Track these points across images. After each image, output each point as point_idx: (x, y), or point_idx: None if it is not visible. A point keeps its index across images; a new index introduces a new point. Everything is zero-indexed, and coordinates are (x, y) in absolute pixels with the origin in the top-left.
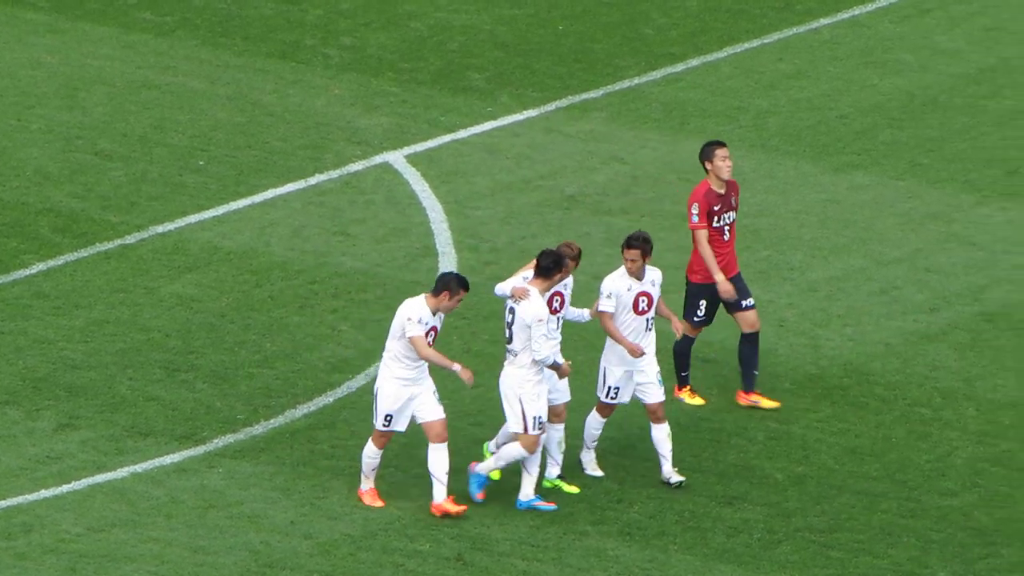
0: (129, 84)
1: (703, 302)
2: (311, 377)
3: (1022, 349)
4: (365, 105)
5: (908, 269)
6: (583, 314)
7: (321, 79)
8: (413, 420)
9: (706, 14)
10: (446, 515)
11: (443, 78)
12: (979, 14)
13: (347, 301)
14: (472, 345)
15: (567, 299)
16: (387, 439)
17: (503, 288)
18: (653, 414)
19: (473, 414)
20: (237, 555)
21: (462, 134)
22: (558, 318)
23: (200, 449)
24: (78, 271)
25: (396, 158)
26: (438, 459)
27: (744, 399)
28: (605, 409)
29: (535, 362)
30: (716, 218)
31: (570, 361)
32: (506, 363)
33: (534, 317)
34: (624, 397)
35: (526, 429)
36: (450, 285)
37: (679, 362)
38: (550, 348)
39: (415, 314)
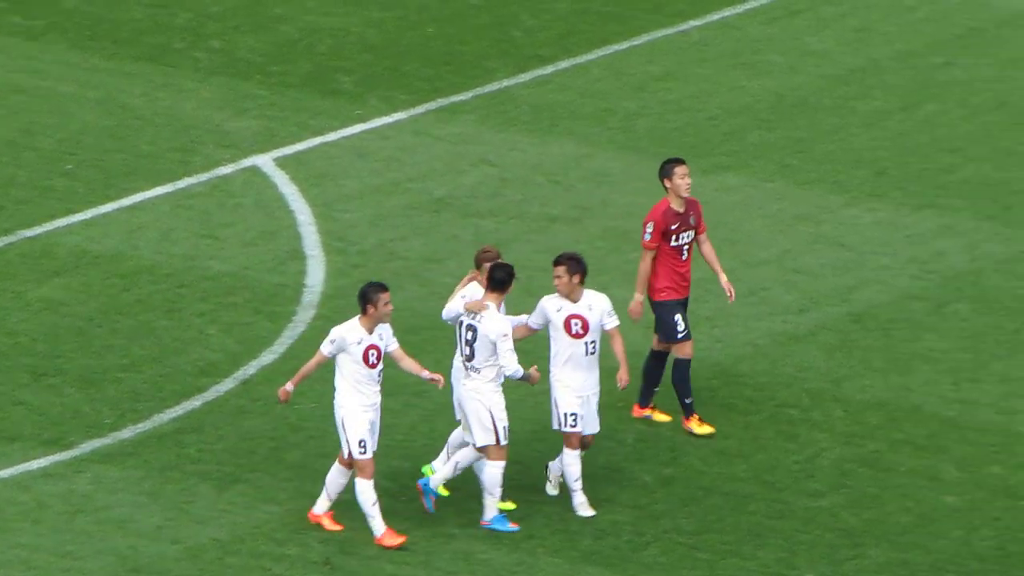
0: None
1: (678, 316)
2: (179, 381)
3: (889, 350)
4: (234, 108)
5: (777, 270)
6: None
7: (190, 82)
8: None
9: (575, 16)
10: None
11: (312, 81)
12: (848, 15)
13: (215, 305)
14: None
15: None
16: (371, 465)
17: (454, 308)
18: (570, 441)
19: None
20: (104, 560)
21: (331, 137)
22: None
23: (67, 454)
24: None
25: (265, 161)
26: (365, 490)
27: (638, 413)
28: (571, 441)
29: (498, 375)
30: (674, 237)
31: (535, 366)
32: (467, 379)
33: (499, 333)
34: (590, 426)
35: (498, 440)
36: (367, 296)
37: (681, 389)
38: (517, 362)
39: (334, 334)
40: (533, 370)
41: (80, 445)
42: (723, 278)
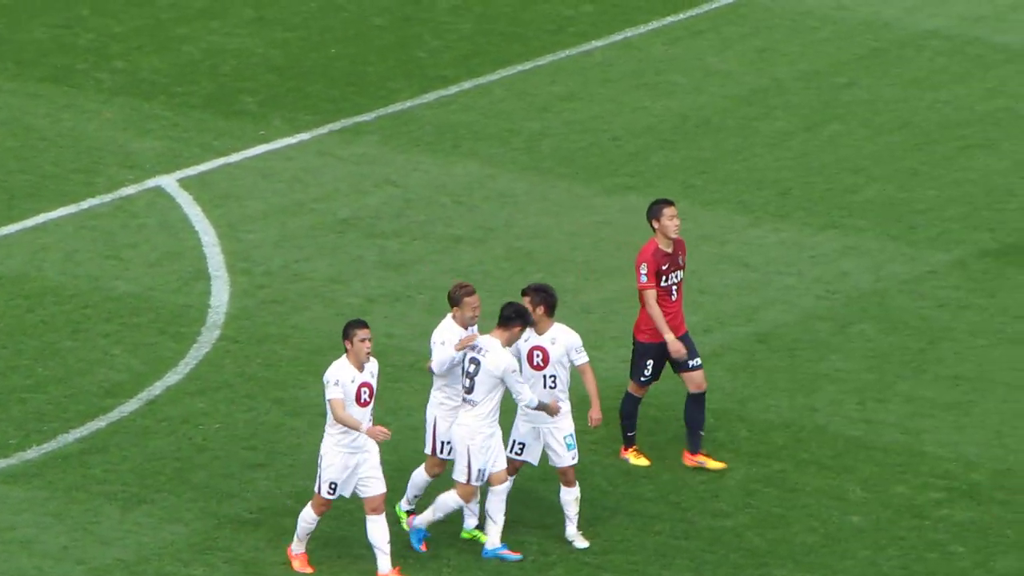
0: None
1: (650, 361)
2: (83, 402)
3: (794, 370)
4: (138, 129)
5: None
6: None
7: (94, 103)
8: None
9: (479, 37)
10: None
11: (216, 102)
12: (751, 35)
13: (120, 325)
14: (246, 368)
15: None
16: (328, 506)
17: (446, 357)
18: (562, 476)
19: (246, 438)
20: None
21: (235, 158)
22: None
23: None
24: None
25: (168, 182)
26: (377, 530)
27: (690, 460)
28: (510, 466)
29: (494, 411)
30: (664, 277)
31: (558, 399)
32: (463, 411)
33: (506, 368)
34: (531, 456)
35: (469, 480)
36: (346, 333)
37: (625, 423)
38: (530, 392)
39: (331, 376)
40: (553, 402)
41: None
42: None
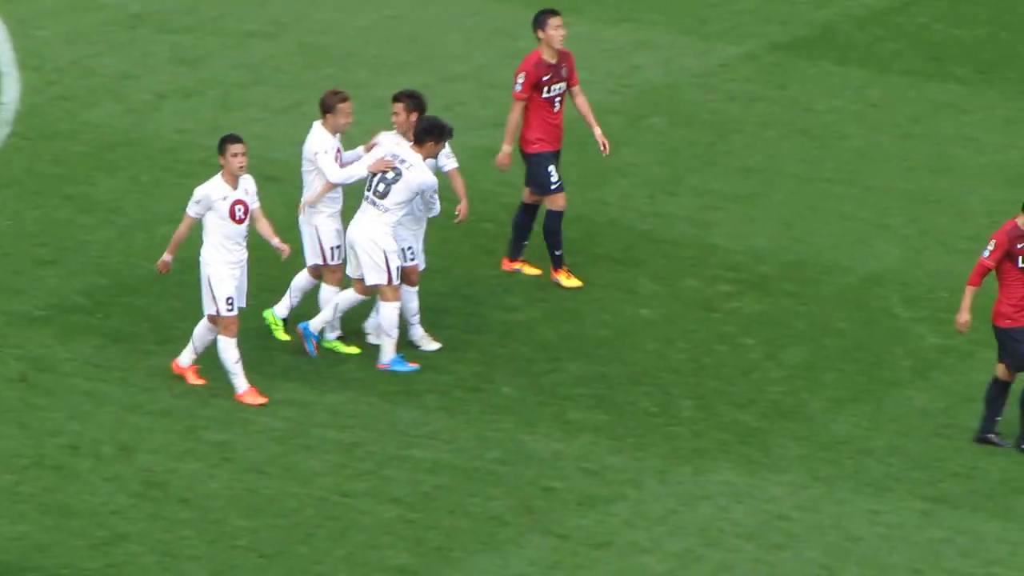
0: None
1: (551, 168)
2: None
3: (585, 164)
4: None
5: (474, 85)
6: (358, 152)
7: None
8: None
9: None
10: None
11: None
12: None
13: None
14: (35, 165)
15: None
16: (235, 323)
17: (356, 173)
18: (407, 279)
19: (36, 235)
20: None
21: None
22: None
23: None
24: None
25: None
26: (228, 348)
27: (508, 266)
28: (411, 276)
29: (396, 223)
30: (546, 88)
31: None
32: (370, 214)
33: (425, 185)
34: (421, 260)
35: (390, 279)
36: (220, 149)
37: (551, 242)
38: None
39: (197, 193)
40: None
41: None
42: (597, 131)
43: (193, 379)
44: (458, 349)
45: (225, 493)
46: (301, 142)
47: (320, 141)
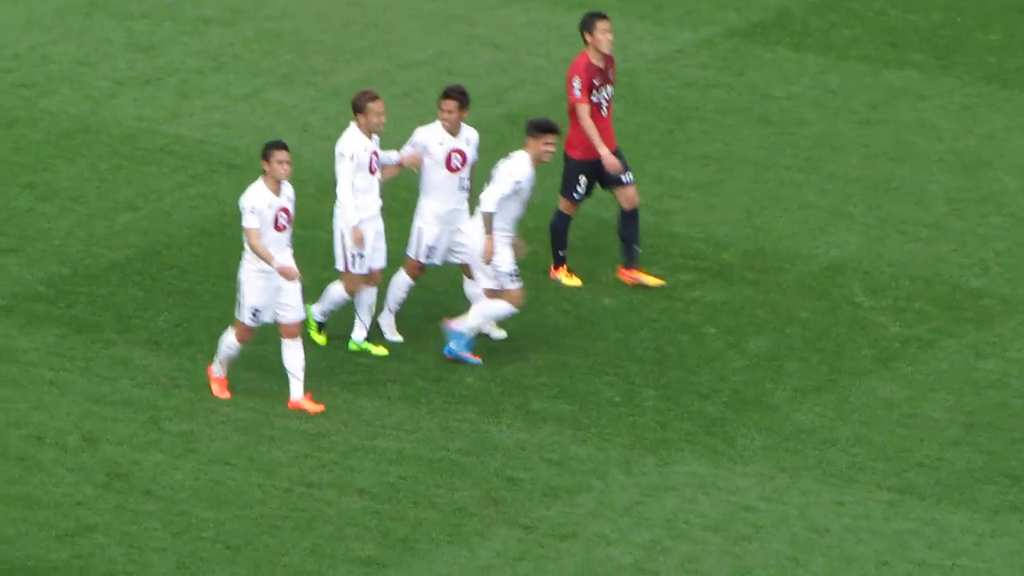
0: None
1: (583, 178)
2: None
3: None
4: None
5: (431, 72)
6: (391, 156)
7: None
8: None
9: None
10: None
11: None
12: None
13: None
14: None
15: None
16: (251, 333)
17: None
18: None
19: None
20: None
21: None
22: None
23: None
24: None
25: None
26: (293, 355)
27: (626, 276)
28: (414, 269)
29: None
30: (594, 92)
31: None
32: (469, 217)
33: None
34: (437, 258)
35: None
36: (265, 155)
37: (556, 241)
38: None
39: (247, 203)
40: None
41: None
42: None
43: (312, 407)
44: (420, 338)
45: (190, 484)
46: (261, 128)
47: (347, 143)
